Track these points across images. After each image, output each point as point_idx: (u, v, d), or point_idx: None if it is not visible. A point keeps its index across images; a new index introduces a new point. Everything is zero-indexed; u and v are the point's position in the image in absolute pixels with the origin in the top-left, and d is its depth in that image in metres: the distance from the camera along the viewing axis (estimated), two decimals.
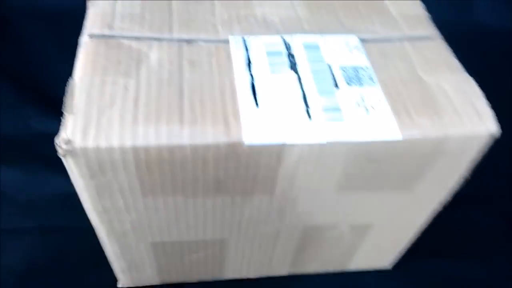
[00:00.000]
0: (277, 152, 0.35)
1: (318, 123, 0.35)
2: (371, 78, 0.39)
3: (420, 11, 0.47)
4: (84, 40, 0.38)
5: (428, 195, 0.46)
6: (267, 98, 0.36)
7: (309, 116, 0.35)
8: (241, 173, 0.36)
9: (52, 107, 0.67)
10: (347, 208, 0.46)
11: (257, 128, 0.34)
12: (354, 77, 0.39)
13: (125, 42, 0.38)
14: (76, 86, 0.34)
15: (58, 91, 0.38)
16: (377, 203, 0.45)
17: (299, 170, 0.37)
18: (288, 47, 0.41)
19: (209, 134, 0.33)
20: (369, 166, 0.39)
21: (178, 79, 0.36)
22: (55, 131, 0.31)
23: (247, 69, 0.38)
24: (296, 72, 0.38)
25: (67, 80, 0.34)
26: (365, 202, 0.45)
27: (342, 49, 0.41)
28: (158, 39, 0.39)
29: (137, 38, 0.39)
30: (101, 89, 0.34)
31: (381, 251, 0.56)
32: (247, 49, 0.40)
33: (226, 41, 0.40)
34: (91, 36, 0.38)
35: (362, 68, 0.40)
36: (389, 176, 0.42)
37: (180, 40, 0.40)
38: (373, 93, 0.38)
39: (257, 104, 0.36)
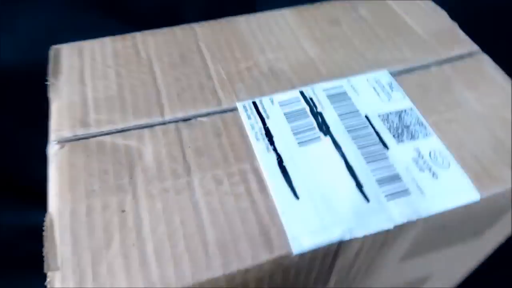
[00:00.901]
0: (334, 250, 0.27)
1: (379, 204, 0.27)
2: (421, 124, 0.31)
3: (448, 22, 0.39)
4: (53, 150, 0.29)
5: (496, 235, 0.39)
6: (306, 183, 0.28)
7: (366, 198, 0.27)
8: (290, 281, 0.28)
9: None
10: (407, 270, 0.38)
11: (304, 228, 0.26)
12: (401, 127, 0.31)
13: (107, 140, 0.29)
14: (55, 223, 0.25)
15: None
16: (441, 257, 0.38)
17: (360, 258, 0.29)
18: (310, 102, 0.32)
19: (244, 254, 0.25)
20: (441, 232, 0.31)
21: (186, 183, 0.28)
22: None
23: (269, 146, 0.30)
24: (330, 135, 0.30)
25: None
26: (428, 260, 0.37)
27: (374, 91, 0.33)
28: (149, 126, 0.31)
29: (122, 131, 0.30)
30: (89, 222, 0.25)
31: None
32: (261, 117, 0.31)
33: (233, 109, 0.32)
34: (61, 141, 0.29)
35: (405, 112, 0.32)
36: (461, 234, 0.34)
37: (175, 121, 0.31)
38: (431, 146, 0.30)
39: (296, 195, 0.27)
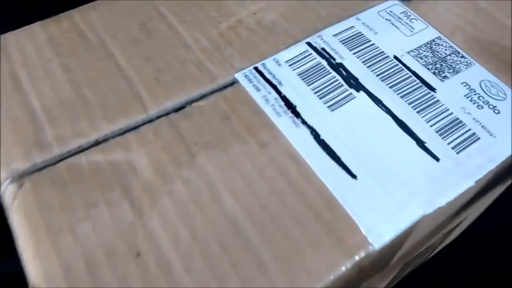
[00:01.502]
0: (407, 232, 0.22)
1: (450, 159, 0.22)
2: (457, 53, 0.26)
3: None
4: (8, 193, 0.20)
5: None
6: (358, 155, 0.22)
7: (433, 156, 0.22)
8: (364, 280, 0.23)
9: None
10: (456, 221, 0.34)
11: (377, 213, 0.20)
12: (438, 62, 0.26)
13: (82, 160, 0.21)
14: None
15: None
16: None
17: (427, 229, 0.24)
18: (323, 53, 0.26)
19: (316, 267, 0.19)
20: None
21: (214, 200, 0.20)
22: None
23: (296, 119, 0.23)
24: (364, 89, 0.24)
25: None
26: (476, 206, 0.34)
27: (392, 25, 0.27)
28: (133, 128, 0.23)
29: (98, 144, 0.22)
30: (96, 279, 0.18)
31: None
32: (272, 84, 0.24)
33: (233, 83, 0.25)
34: (16, 177, 0.20)
35: (435, 42, 0.27)
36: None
37: (166, 114, 0.23)
38: (478, 76, 0.25)
39: (351, 174, 0.21)
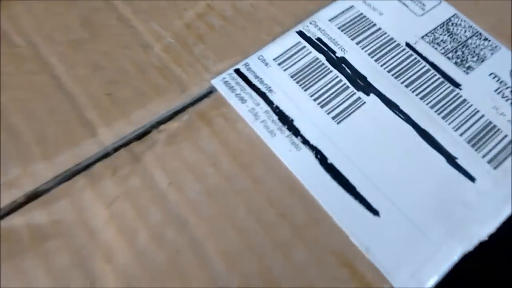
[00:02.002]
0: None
1: (488, 177, 0.18)
2: (479, 35, 0.21)
3: None
4: None
5: None
6: (377, 182, 0.17)
7: (468, 175, 0.18)
8: None
9: None
10: None
11: (412, 260, 0.16)
12: (459, 48, 0.21)
13: (17, 224, 0.16)
14: None
15: None
16: None
17: None
18: (320, 45, 0.20)
19: None
20: None
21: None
22: None
23: (295, 138, 0.18)
24: (375, 91, 0.19)
25: None
26: None
27: (400, 2, 0.22)
28: (84, 169, 0.17)
29: (38, 195, 0.16)
30: None
31: None
32: (260, 92, 0.19)
33: (209, 92, 0.19)
34: None
35: (452, 22, 0.22)
36: None
37: (125, 144, 0.18)
38: (508, 62, 0.21)
39: (372, 209, 0.17)
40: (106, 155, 0.18)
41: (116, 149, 0.18)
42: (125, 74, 0.20)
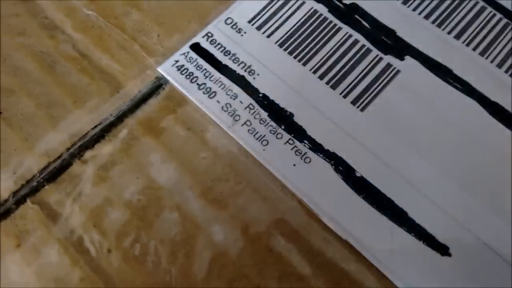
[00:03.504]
0: None
1: None
2: None
3: None
4: None
5: None
6: (438, 202, 0.11)
7: None
8: None
9: None
10: None
11: None
12: None
13: None
14: None
15: None
16: None
17: None
18: None
19: None
20: None
21: None
22: None
23: (298, 143, 0.12)
24: (413, 51, 0.13)
25: None
26: None
27: None
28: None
29: None
30: None
31: None
32: (235, 76, 0.12)
33: (159, 86, 0.12)
34: None
35: None
36: None
37: (29, 193, 0.11)
38: None
39: (442, 249, 0.11)
40: (7, 212, 0.11)
41: (19, 202, 0.11)
42: (23, 77, 0.13)
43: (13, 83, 0.12)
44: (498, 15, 0.13)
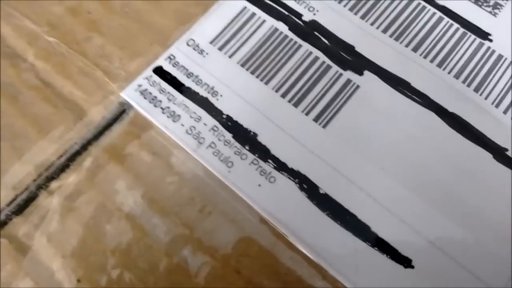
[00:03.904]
0: None
1: None
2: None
3: None
4: None
5: None
6: (401, 215, 0.11)
7: None
8: None
9: None
10: None
11: None
12: None
13: None
14: None
15: None
16: None
17: None
18: (274, 7, 0.14)
19: None
20: None
21: None
22: None
23: (262, 163, 0.12)
24: (371, 66, 0.13)
25: None
26: None
27: None
28: None
29: None
30: None
31: None
32: (198, 98, 0.12)
33: (121, 112, 0.12)
34: None
35: None
36: None
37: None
38: None
39: (402, 259, 0.11)
40: None
41: None
42: None
43: None
44: (455, 25, 0.13)
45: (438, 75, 0.13)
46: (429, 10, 0.14)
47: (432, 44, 0.13)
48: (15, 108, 0.13)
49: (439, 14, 0.14)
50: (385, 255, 0.11)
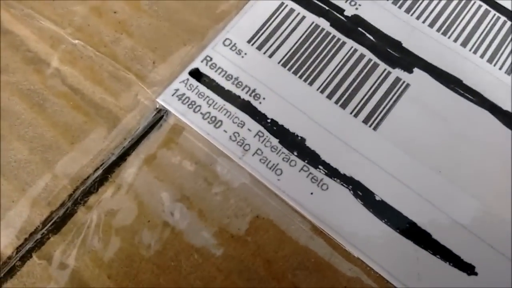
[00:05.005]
0: None
1: None
2: None
3: None
4: None
5: None
6: (462, 221, 0.11)
7: None
8: None
9: None
10: None
11: None
12: None
13: None
14: None
15: None
16: None
17: None
18: (315, 2, 0.13)
19: None
20: None
21: None
22: None
23: (312, 169, 0.11)
24: (420, 63, 0.12)
25: None
26: None
27: None
28: None
29: None
30: None
31: None
32: (239, 101, 0.12)
33: (159, 119, 0.12)
34: None
35: None
36: None
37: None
38: None
39: (466, 266, 0.10)
40: (11, 270, 0.10)
41: (25, 258, 0.10)
42: (12, 119, 0.12)
43: (1, 127, 0.12)
44: (502, 18, 0.13)
45: (491, 71, 0.12)
46: (474, 2, 0.13)
47: (481, 38, 0.13)
48: (43, 117, 0.12)
49: (485, 6, 0.13)
50: (447, 262, 0.10)
